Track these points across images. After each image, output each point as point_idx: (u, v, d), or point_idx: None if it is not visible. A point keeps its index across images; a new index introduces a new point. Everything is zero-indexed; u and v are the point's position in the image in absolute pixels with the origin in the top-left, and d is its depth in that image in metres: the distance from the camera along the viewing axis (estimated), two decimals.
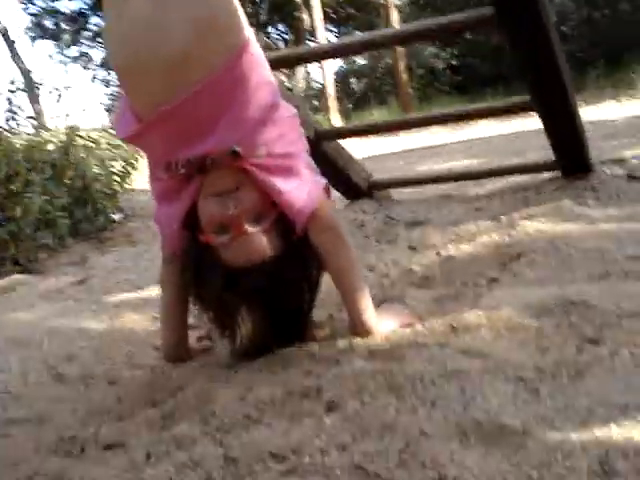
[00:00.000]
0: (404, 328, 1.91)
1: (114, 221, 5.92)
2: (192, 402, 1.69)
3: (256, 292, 1.82)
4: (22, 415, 1.90)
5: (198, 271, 1.86)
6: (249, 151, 1.76)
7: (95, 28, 25.19)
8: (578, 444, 1.14)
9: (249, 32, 1.81)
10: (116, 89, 24.32)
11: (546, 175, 4.09)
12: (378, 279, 2.62)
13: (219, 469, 1.30)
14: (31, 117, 8.27)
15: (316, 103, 19.80)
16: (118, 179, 6.90)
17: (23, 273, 4.52)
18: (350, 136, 4.52)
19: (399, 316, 2.00)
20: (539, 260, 2.31)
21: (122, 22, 1.77)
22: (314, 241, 1.86)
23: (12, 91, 6.84)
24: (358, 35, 3.64)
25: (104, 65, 25.91)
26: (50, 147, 6.11)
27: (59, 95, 7.25)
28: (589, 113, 8.37)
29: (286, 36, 24.15)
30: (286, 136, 1.86)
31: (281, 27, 24.06)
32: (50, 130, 7.30)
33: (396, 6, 19.36)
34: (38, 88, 7.23)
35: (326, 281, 2.01)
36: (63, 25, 25.36)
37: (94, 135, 7.15)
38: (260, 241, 1.79)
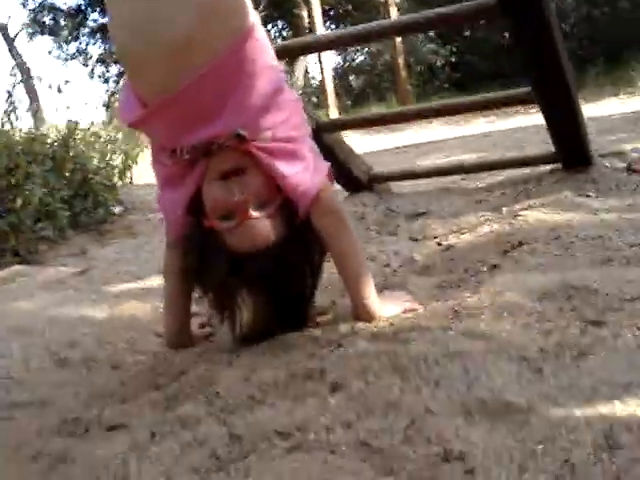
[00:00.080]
0: (407, 313, 1.92)
1: (114, 214, 5.92)
2: (195, 384, 1.69)
3: (260, 277, 1.83)
4: (25, 399, 1.90)
5: (202, 256, 1.86)
6: (254, 135, 1.76)
7: (94, 24, 25.17)
8: (582, 420, 1.15)
9: (254, 16, 1.81)
10: (114, 85, 24.31)
11: (546, 168, 4.08)
12: (379, 268, 2.62)
13: (224, 447, 1.31)
14: (30, 111, 8.27)
15: (315, 100, 19.78)
16: (118, 172, 6.91)
17: (23, 264, 4.50)
18: (351, 127, 4.52)
19: (401, 302, 2.01)
20: (540, 248, 2.31)
21: (126, 7, 1.77)
22: (316, 224, 1.87)
23: (12, 85, 6.83)
24: (363, 25, 3.61)
25: (103, 61, 25.85)
26: (50, 140, 6.11)
27: (59, 89, 7.23)
28: (589, 110, 8.35)
29: (285, 33, 24.15)
30: (290, 120, 1.86)
31: (280, 24, 24.07)
32: (49, 123, 7.30)
33: (395, 3, 19.33)
34: (40, 80, 7.18)
35: (328, 268, 2.02)
36: (62, 21, 25.31)
37: (94, 129, 7.16)
38: (265, 226, 1.80)
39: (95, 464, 1.36)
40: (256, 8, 1.79)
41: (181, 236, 1.93)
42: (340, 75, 22.98)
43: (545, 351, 1.48)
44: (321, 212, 1.87)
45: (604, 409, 1.18)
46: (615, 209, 2.79)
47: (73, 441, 1.54)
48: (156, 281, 3.13)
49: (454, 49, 20.42)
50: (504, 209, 3.12)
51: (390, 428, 1.24)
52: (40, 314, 2.84)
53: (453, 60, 20.59)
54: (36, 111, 8.30)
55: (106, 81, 26.20)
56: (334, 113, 17.01)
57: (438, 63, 20.65)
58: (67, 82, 7.30)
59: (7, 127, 6.39)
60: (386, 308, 1.93)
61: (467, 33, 20.52)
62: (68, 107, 7.42)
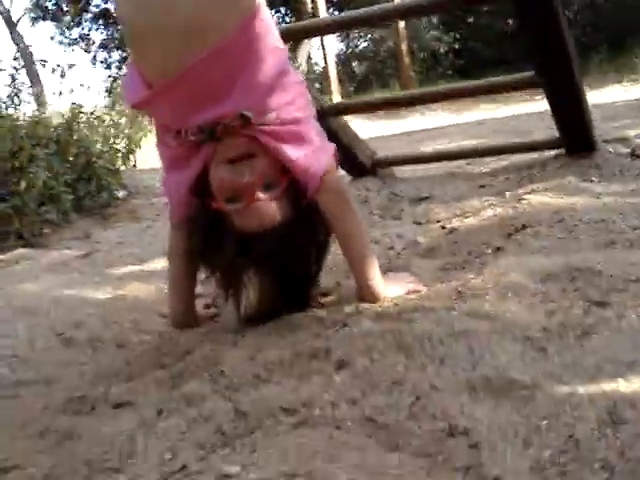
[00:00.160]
0: (411, 294, 1.93)
1: (118, 198, 5.91)
2: (201, 363, 1.70)
3: (267, 257, 1.84)
4: (30, 377, 1.91)
5: (208, 237, 1.87)
6: (259, 115, 1.76)
7: (96, 10, 25.10)
8: (586, 396, 1.16)
9: None
10: (116, 71, 24.26)
11: (550, 154, 4.09)
12: (383, 251, 2.63)
13: (230, 422, 1.32)
14: (33, 95, 8.25)
15: (318, 86, 19.74)
16: (121, 156, 6.90)
17: (27, 247, 4.51)
18: (354, 112, 4.51)
19: (405, 283, 2.02)
20: (544, 231, 2.32)
21: None
22: (322, 206, 1.88)
23: (16, 68, 6.82)
24: (366, 9, 3.61)
25: (105, 47, 25.79)
26: (54, 124, 6.11)
27: (62, 73, 7.22)
28: (593, 97, 8.34)
29: (288, 19, 24.06)
30: (295, 102, 1.86)
31: (283, 10, 23.96)
32: (52, 107, 7.30)
33: None
34: (43, 65, 7.14)
35: (333, 250, 2.02)
36: (64, 6, 25.23)
37: (97, 113, 7.16)
38: (271, 207, 1.80)
39: (101, 440, 1.37)
40: None
41: (185, 217, 1.93)
42: (343, 61, 22.91)
43: (549, 331, 1.49)
44: (327, 193, 1.88)
45: (608, 386, 1.19)
46: (618, 193, 2.80)
47: (79, 418, 1.55)
48: (160, 263, 3.13)
49: (457, 36, 20.36)
50: (508, 193, 3.13)
51: (395, 404, 1.25)
52: (45, 295, 2.85)
53: (456, 47, 20.54)
54: (39, 95, 8.27)
55: (108, 67, 26.15)
56: (337, 99, 16.97)
57: (441, 50, 20.59)
58: (71, 66, 7.29)
59: (10, 111, 6.39)
60: (390, 289, 1.94)
61: (471, 20, 20.47)
62: (72, 90, 7.34)
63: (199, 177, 1.84)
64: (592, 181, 3.22)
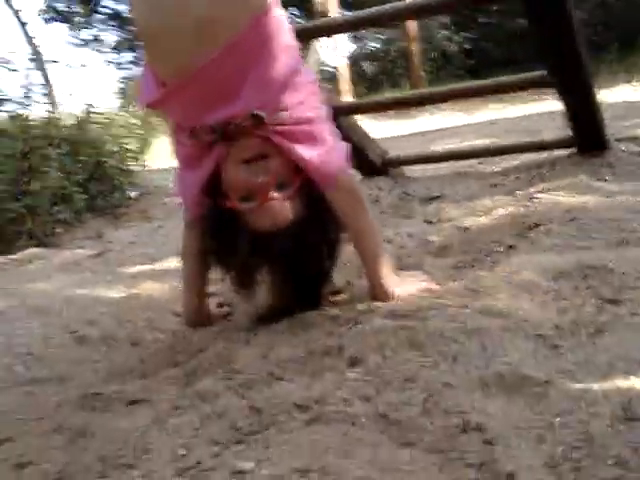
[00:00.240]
0: (423, 292, 1.93)
1: (130, 198, 5.94)
2: (214, 361, 1.71)
3: (280, 256, 1.85)
4: (45, 375, 1.92)
5: (221, 236, 1.88)
6: (272, 115, 1.76)
7: (106, 11, 25.21)
8: (600, 393, 1.16)
9: None
10: (128, 72, 24.36)
11: (561, 153, 4.08)
12: (395, 250, 2.63)
13: (244, 419, 1.32)
14: (45, 94, 8.30)
15: (329, 86, 19.72)
16: (133, 157, 6.93)
17: (39, 247, 4.54)
18: (365, 111, 4.51)
19: (418, 281, 2.02)
20: (556, 229, 2.32)
21: None
22: (335, 204, 1.88)
23: (29, 69, 6.86)
24: (377, 8, 3.61)
25: (117, 48, 25.90)
26: (66, 124, 6.14)
27: (75, 73, 7.27)
28: (603, 96, 8.34)
29: (299, 20, 24.08)
30: (308, 101, 1.86)
31: (294, 11, 23.97)
32: (64, 108, 7.34)
33: None
34: (57, 64, 7.22)
35: (344, 249, 2.03)
36: (76, 8, 25.33)
37: (109, 114, 7.19)
38: (285, 207, 1.81)
39: (116, 437, 1.37)
40: None
41: (199, 216, 1.94)
42: (354, 62, 22.90)
43: (561, 328, 1.49)
44: (340, 192, 1.88)
45: (621, 383, 1.19)
46: (631, 192, 2.79)
47: (93, 415, 1.55)
48: (172, 263, 3.15)
49: (469, 36, 20.33)
50: (519, 192, 3.13)
51: (408, 401, 1.25)
52: (58, 294, 2.87)
53: (467, 47, 20.50)
54: (51, 95, 8.31)
55: (119, 67, 26.25)
56: (348, 99, 16.97)
57: (452, 49, 20.55)
58: (83, 66, 7.34)
59: (23, 111, 6.43)
60: (403, 287, 1.94)
61: (482, 19, 20.42)
62: (83, 91, 7.40)
63: (211, 176, 1.84)
64: (605, 180, 3.21)
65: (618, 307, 1.56)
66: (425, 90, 9.08)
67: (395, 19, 5.39)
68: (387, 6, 3.67)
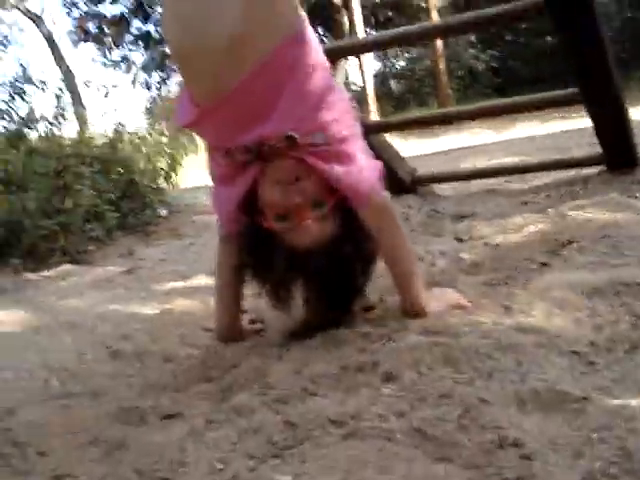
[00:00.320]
0: (456, 309, 1.93)
1: (160, 216, 5.99)
2: (248, 377, 1.72)
3: (315, 273, 1.86)
4: (79, 389, 1.94)
5: (258, 252, 1.89)
6: (306, 136, 1.76)
7: (137, 32, 25.52)
8: (638, 409, 1.16)
9: (303, 14, 1.83)
10: (156, 92, 24.61)
11: (591, 171, 4.07)
12: (427, 268, 2.63)
13: (279, 433, 1.33)
14: (76, 115, 8.41)
15: (356, 105, 19.80)
16: (164, 175, 6.99)
17: (72, 264, 4.59)
18: (395, 129, 4.53)
19: (451, 299, 2.02)
20: (589, 246, 2.31)
21: (179, 8, 1.79)
22: (369, 222, 1.89)
23: (60, 89, 6.96)
24: (405, 27, 3.65)
25: (145, 68, 26.17)
26: (98, 143, 6.23)
27: (107, 92, 7.36)
28: (632, 114, 8.29)
29: (325, 40, 24.24)
30: (341, 120, 1.86)
31: (320, 31, 24.12)
32: (95, 127, 7.44)
33: (435, 6, 19.30)
34: (87, 85, 7.31)
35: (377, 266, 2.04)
36: (105, 29, 25.65)
37: (140, 133, 7.28)
38: (320, 226, 1.82)
39: (152, 450, 1.38)
40: None
41: (234, 232, 1.96)
42: (380, 80, 22.97)
43: (597, 345, 1.49)
44: (373, 210, 1.89)
45: None
46: None
47: (129, 429, 1.56)
48: (203, 280, 3.18)
49: (496, 54, 20.33)
50: (550, 210, 3.11)
51: (443, 416, 1.25)
52: (90, 311, 2.90)
53: (494, 65, 20.50)
54: (82, 115, 8.42)
55: (148, 88, 26.52)
56: (376, 118, 17.02)
57: (479, 68, 20.56)
58: (114, 86, 7.42)
59: (55, 131, 6.51)
60: (435, 304, 1.95)
61: (509, 38, 20.43)
62: (115, 110, 7.49)
63: (247, 194, 1.86)
64: (635, 197, 3.19)
65: None
66: (453, 108, 9.09)
67: (423, 39, 5.42)
68: (415, 26, 3.70)
